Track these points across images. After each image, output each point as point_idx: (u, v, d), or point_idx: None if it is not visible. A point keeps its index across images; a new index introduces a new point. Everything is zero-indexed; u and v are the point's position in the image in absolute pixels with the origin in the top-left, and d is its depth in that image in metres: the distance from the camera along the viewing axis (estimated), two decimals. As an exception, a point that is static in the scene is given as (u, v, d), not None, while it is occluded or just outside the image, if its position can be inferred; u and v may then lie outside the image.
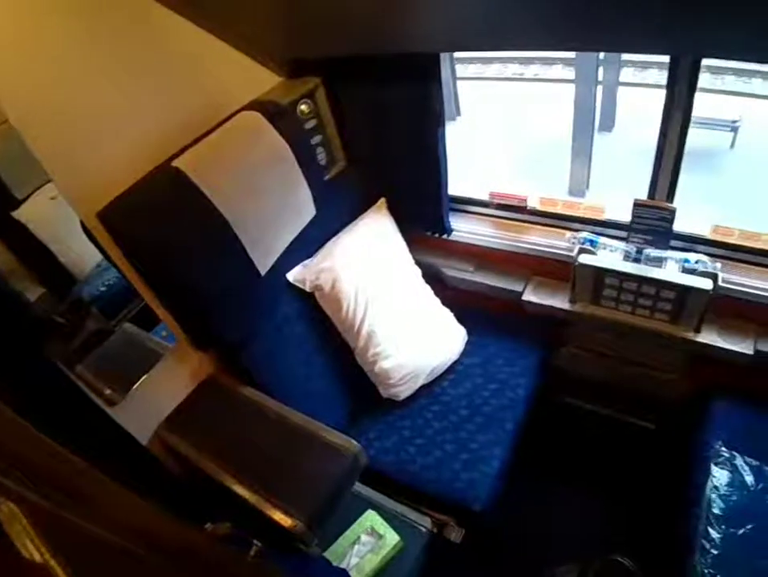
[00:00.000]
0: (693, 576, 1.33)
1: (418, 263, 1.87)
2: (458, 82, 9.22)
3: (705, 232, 1.65)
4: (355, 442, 1.31)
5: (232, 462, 1.30)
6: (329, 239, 1.69)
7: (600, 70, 6.80)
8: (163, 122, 1.32)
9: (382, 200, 1.83)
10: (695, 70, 1.40)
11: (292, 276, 1.61)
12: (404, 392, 1.74)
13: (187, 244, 1.24)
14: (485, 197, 1.93)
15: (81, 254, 1.20)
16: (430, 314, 1.83)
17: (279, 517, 1.18)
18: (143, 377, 1.34)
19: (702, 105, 6.77)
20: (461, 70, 9.67)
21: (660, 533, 1.65)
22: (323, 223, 1.64)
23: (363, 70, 1.61)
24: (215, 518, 1.35)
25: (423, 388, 1.79)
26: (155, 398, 1.41)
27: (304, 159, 1.48)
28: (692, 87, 1.42)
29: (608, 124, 7.69)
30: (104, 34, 1.18)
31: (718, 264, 1.55)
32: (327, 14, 1.29)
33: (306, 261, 1.63)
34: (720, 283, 1.51)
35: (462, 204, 1.99)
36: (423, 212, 1.89)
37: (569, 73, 7.16)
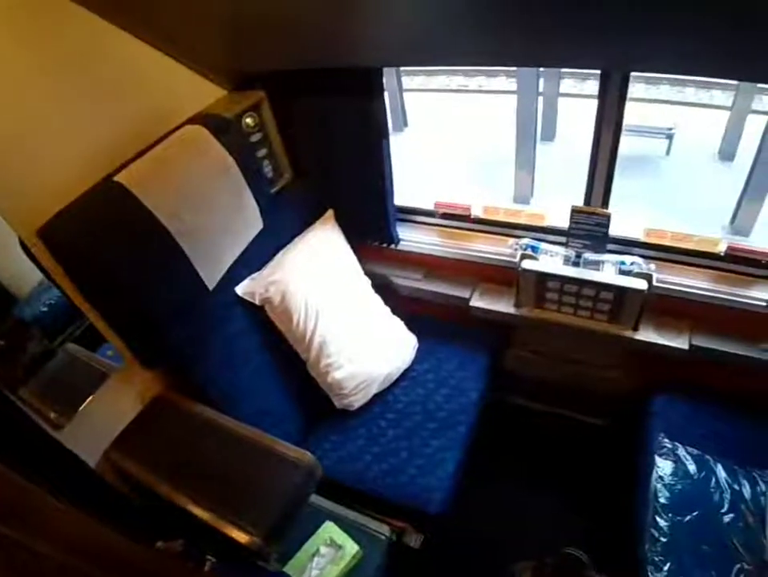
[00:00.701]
0: (644, 564, 1.39)
1: (367, 273, 1.90)
2: (405, 94, 9.41)
3: (640, 234, 1.76)
4: (309, 454, 1.32)
5: (186, 481, 1.28)
6: (277, 251, 1.70)
7: (541, 81, 7.09)
8: (105, 137, 1.30)
9: (330, 212, 1.86)
10: (625, 82, 1.50)
11: (241, 289, 1.60)
12: (358, 401, 1.76)
13: (131, 260, 1.23)
14: (432, 207, 1.99)
15: (20, 273, 1.17)
16: (380, 323, 1.86)
17: (235, 534, 1.17)
18: (89, 399, 1.31)
19: (639, 114, 7.21)
20: (407, 81, 9.87)
21: (613, 525, 1.72)
22: (271, 235, 1.65)
23: (308, 84, 1.64)
24: (167, 535, 1.33)
25: (377, 396, 1.81)
26: (102, 420, 1.37)
27: (249, 172, 1.49)
28: (622, 98, 1.53)
29: (549, 134, 8.00)
30: (39, 48, 1.16)
31: (652, 265, 1.65)
32: (270, 29, 1.30)
33: (255, 274, 1.63)
34: (654, 283, 1.62)
35: (409, 214, 2.04)
36: (370, 223, 1.93)
37: (512, 84, 7.42)
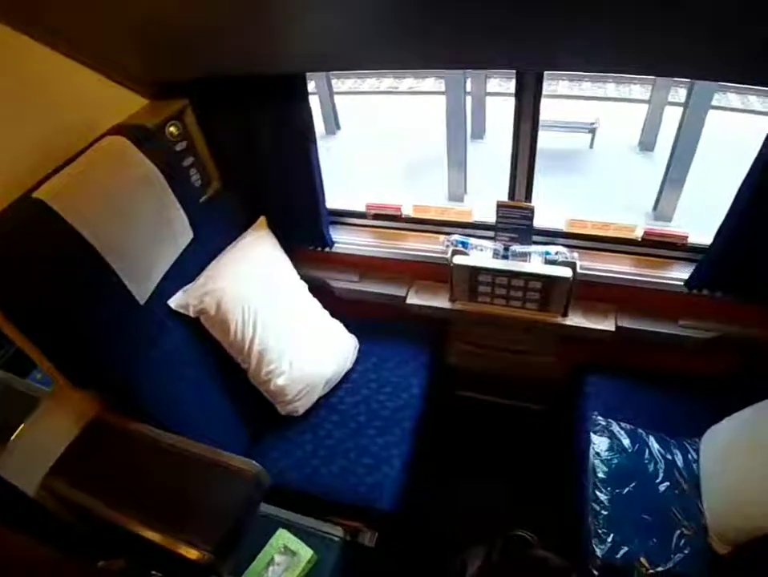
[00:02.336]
0: (588, 537, 1.49)
1: (304, 277, 1.93)
2: (337, 97, 9.47)
3: (564, 225, 1.88)
4: (255, 464, 1.32)
5: (130, 502, 1.26)
6: (210, 261, 1.69)
7: (469, 81, 7.31)
8: (19, 153, 1.27)
9: (262, 218, 1.87)
10: (539, 80, 1.59)
11: (174, 302, 1.58)
12: (302, 406, 1.79)
13: (56, 278, 1.21)
14: (364, 209, 2.05)
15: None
16: (320, 326, 1.89)
17: (185, 551, 1.16)
18: (21, 426, 1.27)
19: (564, 110, 7.56)
20: (338, 84, 9.94)
21: (558, 503, 1.83)
22: (203, 245, 1.65)
23: (232, 90, 1.65)
24: (110, 554, 1.31)
25: (321, 400, 1.84)
26: (37, 447, 1.32)
27: (175, 182, 1.48)
28: (537, 95, 1.62)
29: (479, 132, 8.25)
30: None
31: (576, 254, 1.77)
32: (186, 37, 1.32)
33: (188, 286, 1.62)
34: (578, 270, 1.73)
35: (342, 217, 2.09)
36: (304, 227, 1.96)
37: (441, 85, 7.62)
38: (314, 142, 1.76)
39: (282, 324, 1.74)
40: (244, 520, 1.28)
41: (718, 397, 1.74)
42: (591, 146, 8.24)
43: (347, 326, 1.97)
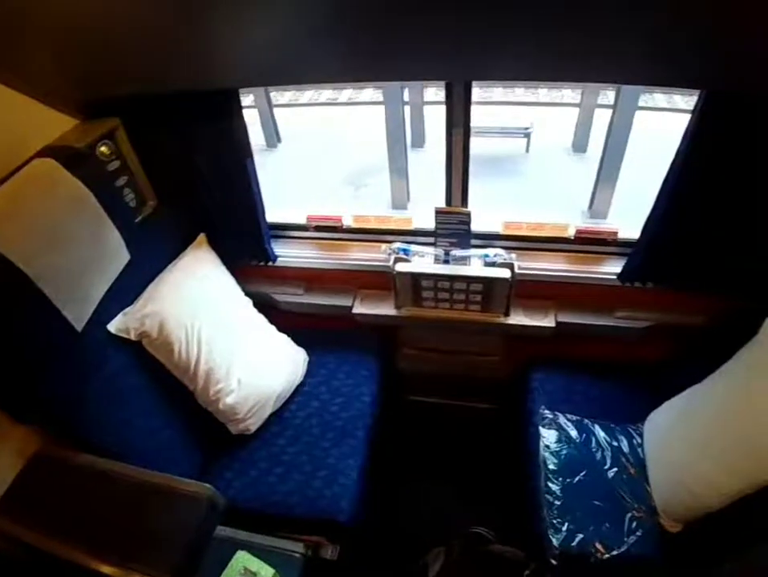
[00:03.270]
0: (544, 528, 1.55)
1: (248, 293, 1.92)
2: (278, 109, 9.46)
3: (500, 228, 1.95)
4: (209, 486, 1.30)
5: (79, 536, 1.21)
6: (149, 282, 1.67)
7: (407, 91, 7.44)
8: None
9: (202, 236, 1.86)
10: (467, 88, 1.66)
11: (114, 326, 1.55)
12: (254, 424, 1.78)
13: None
14: (305, 221, 2.06)
15: None
16: (267, 342, 1.89)
17: None
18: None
19: (499, 116, 7.79)
20: (277, 97, 9.92)
21: (513, 498, 1.88)
22: (141, 266, 1.63)
23: (165, 107, 1.64)
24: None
25: (273, 416, 1.84)
26: None
27: (109, 203, 1.46)
28: (467, 103, 1.68)
29: (419, 141, 8.40)
30: None
31: (513, 255, 1.84)
32: (113, 54, 1.31)
33: (127, 309, 1.59)
34: (517, 270, 1.80)
35: (284, 230, 2.10)
36: (245, 243, 1.96)
37: (380, 95, 7.72)
38: (251, 156, 1.77)
39: (228, 342, 1.73)
40: (201, 545, 1.26)
41: (657, 383, 1.85)
42: (527, 150, 8.53)
43: (295, 339, 1.98)
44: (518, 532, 1.70)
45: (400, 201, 7.42)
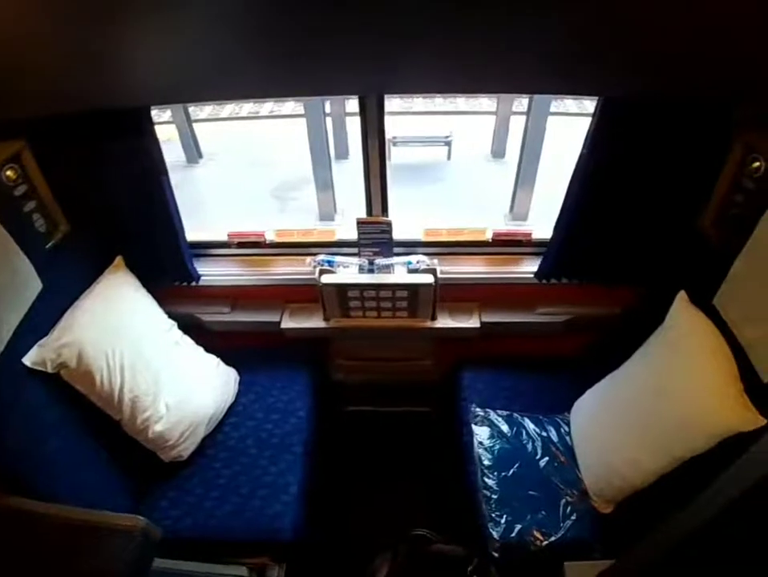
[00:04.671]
0: (484, 523, 1.61)
1: (172, 315, 1.89)
2: (199, 124, 9.27)
3: (421, 235, 2.02)
4: (141, 519, 1.27)
5: None
6: (65, 310, 1.61)
7: (328, 103, 7.48)
8: None
9: (119, 259, 1.81)
10: (380, 101, 1.73)
11: (29, 359, 1.48)
12: (187, 450, 1.74)
13: None
14: (227, 238, 2.05)
15: None
16: (195, 364, 1.86)
17: None
18: None
19: (422, 125, 7.97)
20: (197, 112, 9.71)
21: (453, 497, 1.93)
22: (55, 294, 1.58)
23: (73, 127, 1.59)
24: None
25: (206, 439, 1.81)
26: None
27: (16, 230, 1.41)
28: (381, 114, 1.75)
29: (343, 152, 8.44)
30: None
31: (435, 260, 1.91)
32: (12, 73, 1.26)
33: (43, 340, 1.53)
34: (439, 275, 1.87)
35: (206, 248, 2.08)
36: (165, 263, 1.92)
37: (302, 108, 7.71)
38: (166, 174, 1.74)
39: (153, 368, 1.69)
40: (137, 580, 1.23)
41: (579, 373, 1.95)
42: (448, 157, 8.77)
43: (224, 359, 1.96)
44: (460, 529, 1.74)
45: (327, 213, 7.44)
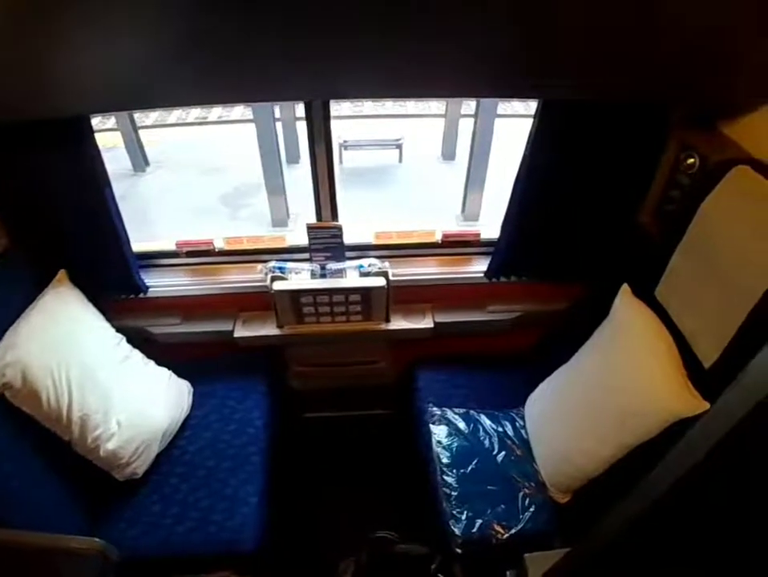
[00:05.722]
0: (446, 520, 1.62)
1: (120, 328, 1.85)
2: (146, 131, 9.07)
3: (372, 238, 2.03)
4: (98, 541, 1.25)
5: None
6: (6, 328, 1.55)
7: (278, 108, 7.42)
8: None
9: (62, 273, 1.75)
10: (326, 106, 1.72)
11: (-31, 381, 1.42)
12: (141, 467, 1.70)
13: None
14: (175, 247, 2.01)
15: None
16: (146, 378, 1.82)
17: None
18: None
19: (374, 129, 8.01)
20: (142, 118, 9.49)
21: (415, 497, 1.94)
22: None
23: (8, 137, 1.53)
24: None
25: (161, 455, 1.77)
26: None
27: None
28: (326, 119, 1.74)
29: (294, 157, 8.39)
30: None
31: (387, 263, 1.93)
32: None
33: (-18, 360, 1.47)
34: (391, 278, 1.89)
35: (153, 259, 2.04)
36: (111, 276, 1.87)
37: (251, 113, 7.61)
38: (108, 185, 1.69)
39: (102, 384, 1.64)
40: (96, 604, 1.20)
41: (532, 368, 2.00)
42: (400, 160, 8.87)
43: (177, 371, 1.93)
44: (423, 528, 1.76)
45: (280, 219, 7.38)
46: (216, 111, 10.56)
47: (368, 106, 10.49)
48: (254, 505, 1.67)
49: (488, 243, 2.04)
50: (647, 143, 1.62)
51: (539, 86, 1.42)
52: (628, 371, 1.48)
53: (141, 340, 1.92)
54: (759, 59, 1.22)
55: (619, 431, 1.47)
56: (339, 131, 8.44)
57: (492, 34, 1.17)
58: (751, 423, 0.53)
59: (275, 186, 7.20)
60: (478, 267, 2.04)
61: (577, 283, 1.99)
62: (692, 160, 1.48)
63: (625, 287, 1.61)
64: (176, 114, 10.52)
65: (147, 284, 1.96)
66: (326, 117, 1.74)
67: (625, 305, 1.59)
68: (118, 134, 8.29)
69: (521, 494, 1.67)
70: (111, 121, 8.45)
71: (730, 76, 1.29)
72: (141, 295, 1.96)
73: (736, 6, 1.03)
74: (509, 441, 1.81)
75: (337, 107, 9.21)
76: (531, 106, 1.63)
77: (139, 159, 8.75)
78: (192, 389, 1.94)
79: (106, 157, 1.69)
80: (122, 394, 1.68)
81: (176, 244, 2.00)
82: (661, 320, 1.49)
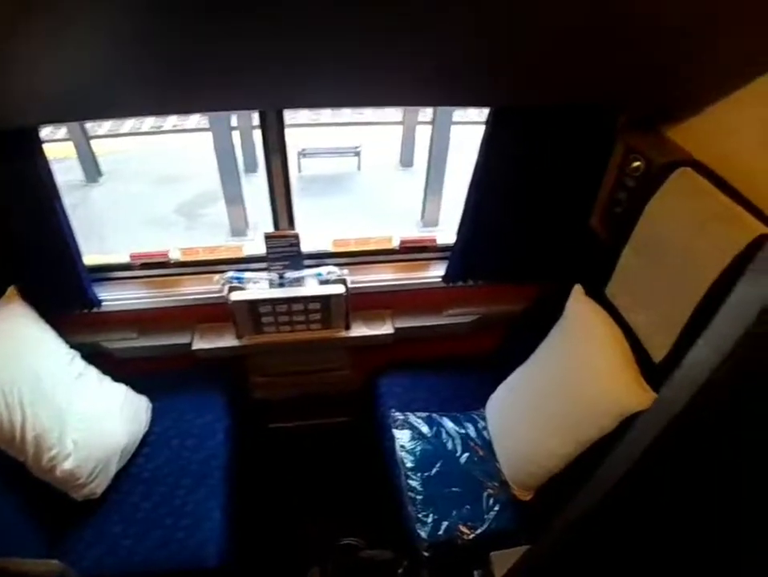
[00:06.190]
0: (412, 524, 1.64)
1: (75, 345, 1.80)
2: (100, 141, 8.84)
3: (330, 246, 2.04)
4: (56, 563, 1.20)
5: None
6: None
7: (235, 116, 7.33)
8: None
9: (12, 289, 1.70)
10: (280, 116, 1.72)
11: None
12: (99, 486, 1.66)
13: None
14: (129, 260, 1.97)
15: None
16: (102, 395, 1.77)
17: None
18: None
19: (331, 137, 8.00)
20: (95, 127, 9.24)
21: (381, 502, 1.94)
22: None
23: None
24: None
25: (120, 473, 1.74)
26: None
27: None
28: (281, 128, 1.74)
29: (252, 165, 8.30)
30: None
31: (345, 270, 1.94)
32: None
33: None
34: (350, 285, 1.90)
35: (107, 272, 1.99)
36: (63, 291, 1.82)
37: (207, 122, 7.50)
38: (58, 197, 1.65)
39: (56, 403, 1.60)
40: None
41: (492, 369, 2.04)
42: (359, 168, 8.89)
43: (134, 386, 1.89)
44: (389, 533, 1.77)
45: (239, 228, 7.29)
46: (172, 120, 10.35)
47: (326, 114, 10.47)
48: (217, 520, 1.65)
49: (445, 248, 2.07)
50: (595, 148, 1.68)
51: (487, 94, 1.45)
52: (582, 369, 1.53)
53: (96, 356, 1.87)
54: (699, 65, 1.28)
55: (576, 428, 1.51)
56: (298, 139, 8.42)
57: (443, 46, 1.19)
58: (687, 417, 0.56)
59: (233, 195, 7.11)
60: (436, 272, 2.06)
61: (533, 284, 2.04)
62: (637, 163, 1.53)
63: (578, 287, 1.66)
64: (130, 124, 10.27)
65: (101, 298, 1.91)
66: (281, 127, 1.74)
67: (578, 305, 1.64)
68: (70, 144, 8.06)
69: (485, 494, 1.70)
70: (62, 131, 8.20)
71: (671, 82, 1.35)
72: (95, 309, 1.91)
73: (677, 14, 1.07)
74: (472, 443, 1.84)
75: (295, 115, 9.17)
76: (485, 112, 1.66)
77: (92, 169, 8.50)
78: (150, 405, 1.90)
79: (57, 168, 1.66)
80: (77, 412, 1.64)
81: (130, 257, 1.97)
82: (613, 318, 1.54)
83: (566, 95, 1.47)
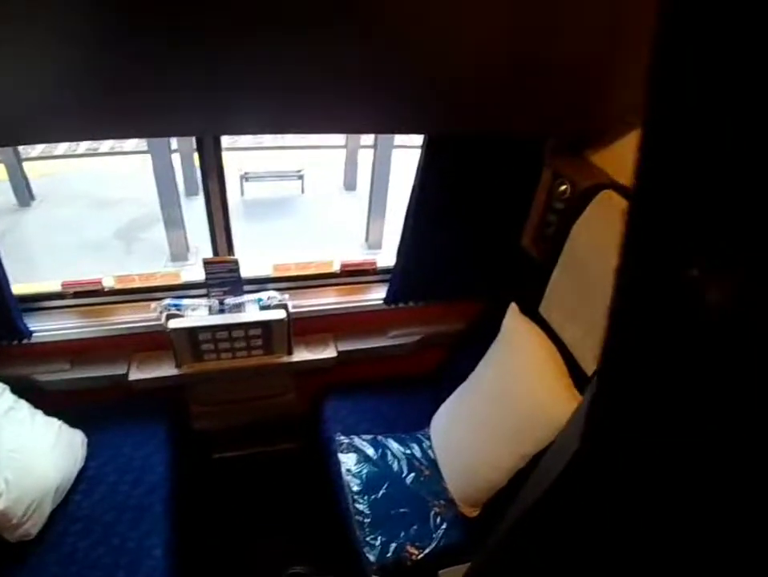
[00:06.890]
0: (360, 547, 1.63)
1: (4, 378, 1.72)
2: (30, 163, 8.48)
3: (271, 271, 2.04)
4: None
5: None
6: None
7: (175, 139, 7.20)
8: None
9: None
10: (217, 141, 1.73)
11: None
12: (34, 526, 1.58)
13: None
14: (61, 288, 1.91)
15: None
16: (33, 431, 1.69)
17: None
18: None
19: (274, 161, 7.98)
20: (27, 149, 8.88)
21: (329, 529, 1.92)
22: None
23: None
24: None
25: (55, 512, 1.66)
26: None
27: None
28: (218, 153, 1.74)
29: (193, 189, 8.16)
30: None
31: (286, 295, 1.94)
32: None
33: None
34: (291, 310, 1.90)
35: (37, 301, 1.91)
36: None
37: (145, 144, 7.33)
38: None
39: (-17, 440, 1.53)
40: None
41: (435, 388, 2.09)
42: (302, 191, 8.90)
43: (68, 420, 1.81)
44: (337, 559, 1.76)
45: (179, 253, 7.09)
46: (109, 142, 10.08)
47: (268, 137, 10.48)
48: (159, 557, 1.59)
49: (385, 270, 2.11)
50: (524, 173, 1.76)
51: (419, 122, 1.50)
52: (518, 384, 1.59)
53: (27, 389, 1.79)
54: (607, 102, 1.37)
55: (516, 441, 1.56)
56: (241, 162, 8.37)
57: (377, 77, 1.22)
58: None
59: (173, 219, 6.93)
60: (378, 294, 2.10)
61: (473, 303, 2.09)
62: (564, 187, 1.62)
63: (513, 305, 1.73)
64: (65, 146, 9.93)
65: (31, 328, 1.84)
66: (218, 150, 1.74)
67: (513, 323, 1.71)
68: (0, 166, 7.72)
69: (432, 512, 1.72)
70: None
71: (591, 111, 1.44)
72: (25, 341, 1.84)
73: (594, 46, 1.14)
74: (417, 463, 1.86)
75: (236, 139, 9.12)
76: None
77: (24, 193, 8.14)
78: (86, 439, 1.83)
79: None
80: (7, 450, 1.56)
81: (62, 285, 1.90)
82: (547, 334, 1.61)
83: (493, 124, 1.54)
